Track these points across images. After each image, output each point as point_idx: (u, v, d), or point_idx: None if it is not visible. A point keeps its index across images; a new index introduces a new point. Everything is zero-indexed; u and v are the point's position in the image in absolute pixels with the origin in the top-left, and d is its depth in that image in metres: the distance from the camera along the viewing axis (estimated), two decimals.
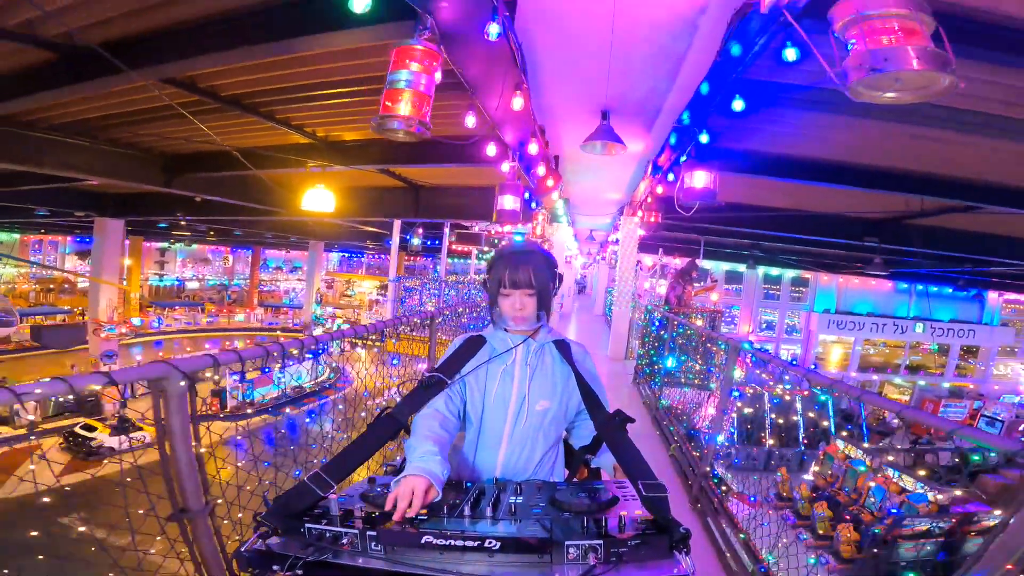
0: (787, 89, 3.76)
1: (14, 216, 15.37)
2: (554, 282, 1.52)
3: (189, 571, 1.54)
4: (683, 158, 4.63)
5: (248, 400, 16.69)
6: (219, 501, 1.62)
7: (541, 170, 5.77)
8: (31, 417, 13.58)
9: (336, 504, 1.04)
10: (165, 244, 32.12)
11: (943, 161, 5.28)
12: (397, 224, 13.86)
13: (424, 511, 1.08)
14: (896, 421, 12.10)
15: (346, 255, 37.43)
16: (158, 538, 1.46)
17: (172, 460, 1.38)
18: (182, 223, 16.14)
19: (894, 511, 4.96)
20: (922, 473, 5.78)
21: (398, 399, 1.44)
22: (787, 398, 7.98)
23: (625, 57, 3.73)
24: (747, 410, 7.70)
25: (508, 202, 5.50)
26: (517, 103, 3.58)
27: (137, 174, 8.27)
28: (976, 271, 12.20)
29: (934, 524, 4.63)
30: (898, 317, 22.52)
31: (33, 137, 6.63)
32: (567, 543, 0.97)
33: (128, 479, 1.50)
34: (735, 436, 7.23)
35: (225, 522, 1.66)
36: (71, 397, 1.13)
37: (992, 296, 21.87)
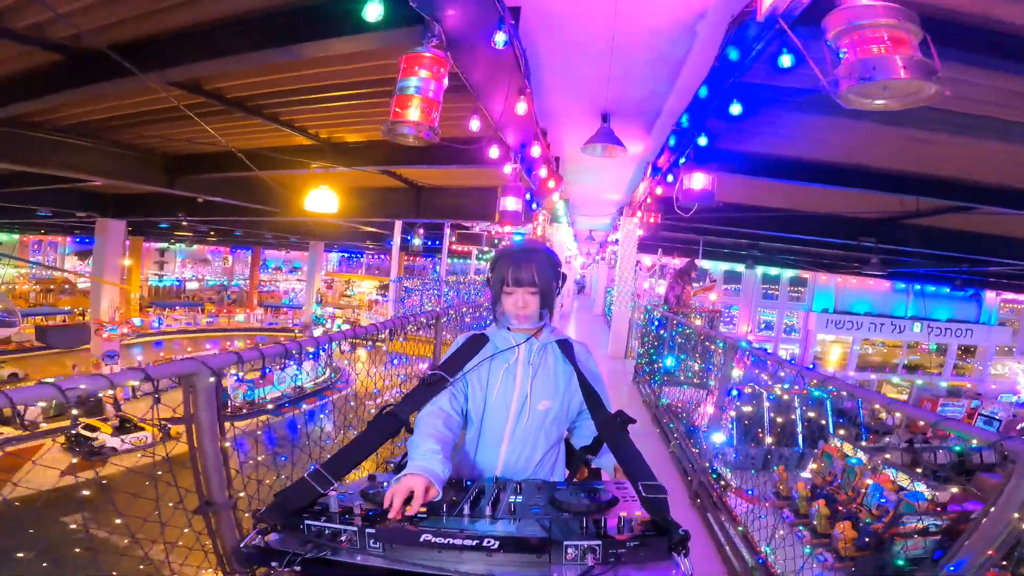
0: (784, 93, 3.82)
1: (16, 216, 15.36)
2: (558, 281, 1.49)
3: (212, 563, 1.60)
4: (682, 160, 4.69)
5: (249, 400, 16.77)
6: (240, 495, 1.67)
7: (543, 172, 5.83)
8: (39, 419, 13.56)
9: (336, 501, 1.04)
10: (165, 244, 32.12)
11: (938, 162, 5.34)
12: (398, 224, 13.88)
13: (423, 509, 1.07)
14: (897, 415, 12.14)
15: (346, 255, 37.44)
16: (186, 530, 1.52)
17: (200, 454, 1.43)
18: (183, 224, 16.18)
19: (891, 508, 5.02)
20: (919, 471, 5.85)
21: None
22: (785, 397, 8.05)
23: (626, 62, 3.79)
24: (746, 408, 7.76)
25: (510, 203, 5.56)
26: (521, 107, 3.64)
27: (140, 175, 8.31)
28: (973, 271, 12.25)
29: (931, 522, 4.70)
30: (896, 317, 22.56)
31: (38, 138, 6.66)
32: (566, 543, 0.96)
33: (133, 476, 1.54)
34: (734, 434, 7.29)
35: (246, 515, 1.69)
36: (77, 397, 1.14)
37: (990, 296, 21.90)
